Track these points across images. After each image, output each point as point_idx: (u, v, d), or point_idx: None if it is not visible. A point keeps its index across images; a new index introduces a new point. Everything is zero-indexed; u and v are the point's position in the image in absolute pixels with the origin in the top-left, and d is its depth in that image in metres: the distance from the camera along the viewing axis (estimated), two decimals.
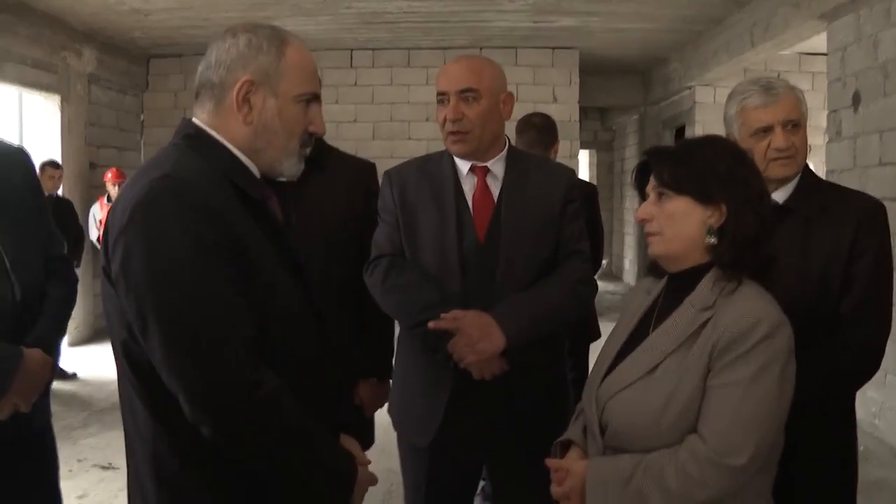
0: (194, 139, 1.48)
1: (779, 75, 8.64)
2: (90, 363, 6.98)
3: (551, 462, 1.68)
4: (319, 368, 1.55)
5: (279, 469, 1.41)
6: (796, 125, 1.98)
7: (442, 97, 2.19)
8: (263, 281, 1.40)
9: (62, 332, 2.25)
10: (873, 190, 4.93)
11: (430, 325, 2.04)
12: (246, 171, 1.49)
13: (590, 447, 1.65)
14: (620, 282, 13.02)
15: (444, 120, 2.17)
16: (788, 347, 1.47)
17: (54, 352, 2.17)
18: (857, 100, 5.27)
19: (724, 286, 1.52)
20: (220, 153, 1.47)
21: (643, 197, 1.64)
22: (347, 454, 1.53)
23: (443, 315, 2.04)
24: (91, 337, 8.19)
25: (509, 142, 2.29)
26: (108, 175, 7.78)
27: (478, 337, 2.02)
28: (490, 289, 2.14)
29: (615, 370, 1.61)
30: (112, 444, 4.75)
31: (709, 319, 1.50)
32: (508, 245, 2.15)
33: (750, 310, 1.47)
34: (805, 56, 8.65)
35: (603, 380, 1.62)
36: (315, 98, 1.54)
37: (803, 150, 2.00)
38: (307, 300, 1.54)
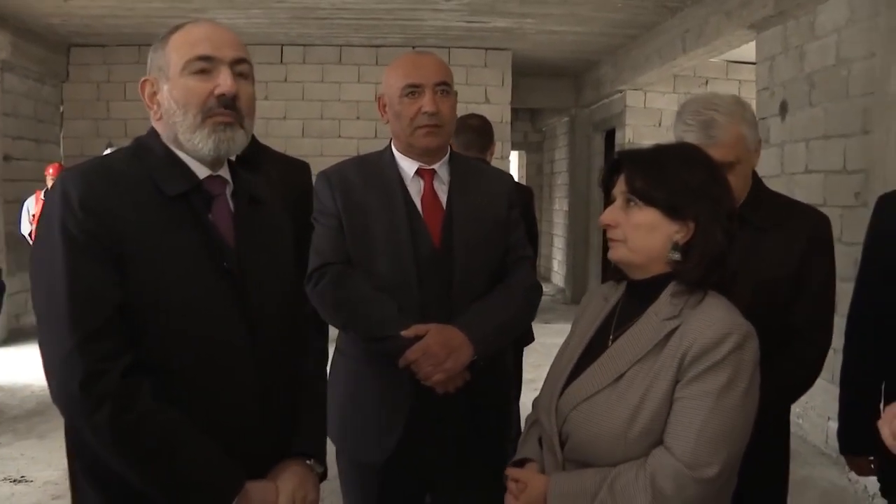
0: (140, 139, 1.56)
1: (707, 82, 8.92)
2: (3, 367, 6.58)
3: (511, 471, 1.62)
4: (232, 378, 1.49)
5: (135, 473, 1.39)
6: (733, 164, 1.94)
7: (414, 89, 2.07)
8: (145, 278, 1.41)
9: None
10: (800, 196, 5.03)
11: (404, 356, 1.96)
12: (175, 168, 1.50)
13: (547, 462, 1.59)
14: (549, 282, 13.12)
15: (416, 113, 2.07)
16: (755, 359, 1.45)
17: None
18: (784, 109, 5.40)
19: (688, 297, 1.49)
20: (150, 152, 1.52)
21: (608, 197, 1.59)
22: (229, 473, 1.45)
23: (403, 333, 1.96)
24: (5, 339, 7.76)
25: (451, 145, 2.23)
26: (50, 170, 7.61)
27: (445, 354, 1.95)
28: (447, 298, 2.06)
29: (576, 380, 1.55)
30: (25, 455, 4.50)
31: (675, 329, 1.46)
32: (463, 252, 2.08)
33: (720, 320, 1.44)
34: (732, 64, 8.85)
35: (563, 390, 1.57)
36: (209, 61, 1.48)
37: (739, 187, 1.93)
38: (236, 302, 1.50)
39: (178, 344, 1.43)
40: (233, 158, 2.43)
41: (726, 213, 1.52)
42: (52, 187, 1.43)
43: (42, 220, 1.44)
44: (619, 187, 1.55)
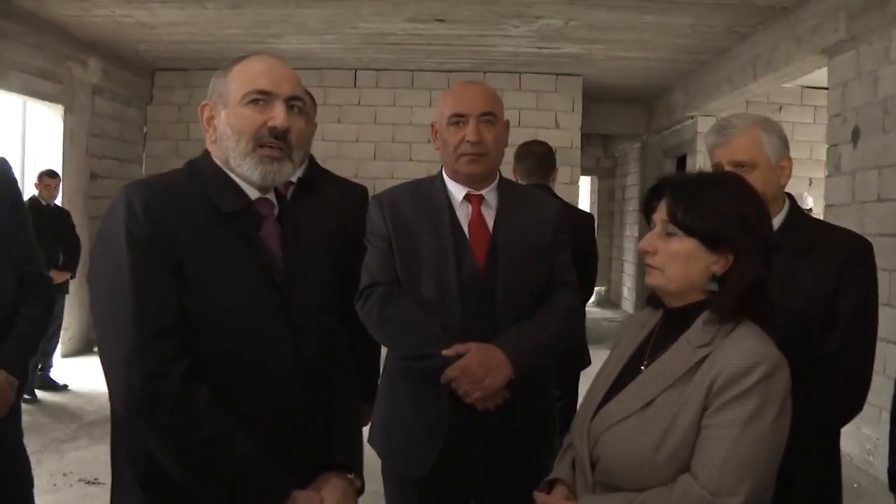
0: (193, 161, 1.65)
1: (780, 108, 8.76)
2: (82, 375, 6.92)
3: (539, 496, 1.65)
4: (279, 385, 1.55)
5: (188, 473, 1.44)
6: (746, 166, 1.96)
7: (458, 119, 2.16)
8: (200, 288, 1.48)
9: (32, 353, 2.22)
10: (871, 225, 4.94)
11: (444, 374, 2.02)
12: (228, 188, 1.59)
13: (578, 483, 1.61)
14: (619, 309, 12.97)
15: (460, 141, 2.15)
16: (786, 389, 1.44)
17: (22, 372, 2.13)
18: (856, 135, 5.27)
19: (720, 326, 1.49)
20: (203, 172, 1.61)
21: (649, 223, 1.61)
22: (279, 479, 1.50)
23: (444, 352, 2.02)
24: (84, 348, 8.14)
25: (500, 172, 2.30)
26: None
27: (484, 373, 2.00)
28: (490, 318, 2.12)
29: (608, 404, 1.58)
30: (100, 458, 4.70)
31: (706, 357, 1.47)
32: (507, 274, 2.14)
33: (749, 349, 1.44)
34: (808, 89, 8.67)
35: (595, 413, 1.59)
36: (266, 95, 1.57)
37: (761, 189, 1.88)
38: (283, 316, 1.57)
39: (228, 353, 1.50)
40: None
41: (765, 245, 1.52)
42: (115, 198, 1.51)
43: (104, 228, 1.52)
44: (660, 214, 1.56)
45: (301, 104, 1.62)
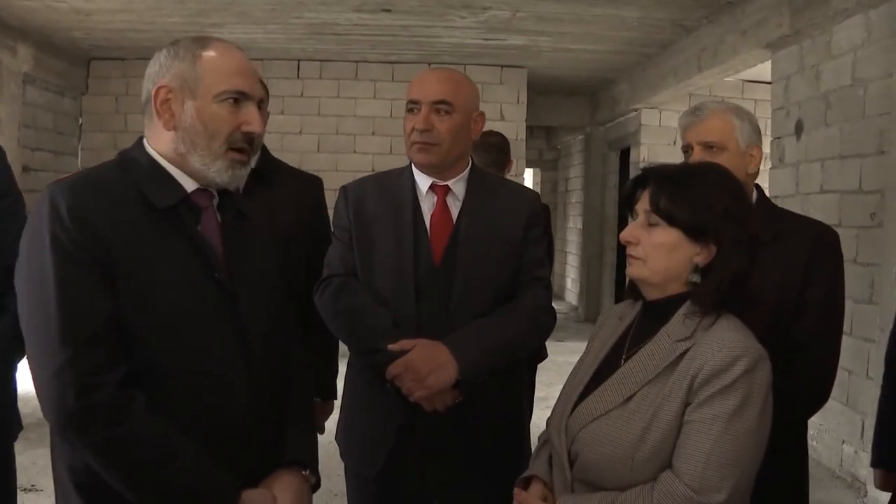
0: (124, 152, 1.56)
1: (722, 101, 8.87)
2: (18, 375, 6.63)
3: (518, 493, 1.61)
4: (225, 388, 1.50)
5: (129, 487, 1.39)
6: (715, 148, 2.00)
7: (413, 106, 2.10)
8: (135, 290, 1.41)
9: (14, 349, 2.06)
10: (815, 216, 5.03)
11: (388, 370, 1.95)
12: (163, 180, 1.50)
13: (556, 480, 1.58)
14: (563, 301, 13.08)
15: (412, 129, 2.08)
16: (768, 382, 1.43)
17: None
18: (799, 128, 5.38)
19: (701, 318, 1.47)
20: (138, 164, 1.51)
21: (631, 213, 1.58)
22: (224, 483, 1.45)
23: (390, 347, 1.95)
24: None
25: (472, 162, 2.23)
26: None
27: (427, 371, 1.93)
28: (445, 314, 2.05)
29: (587, 399, 1.54)
30: (38, 463, 4.50)
31: (687, 350, 1.45)
32: (465, 269, 2.07)
33: (731, 342, 1.42)
34: (748, 83, 8.84)
35: (573, 409, 1.56)
36: (243, 96, 1.52)
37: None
38: (227, 312, 1.51)
39: (170, 354, 1.44)
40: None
41: (749, 237, 1.50)
42: (39, 200, 1.42)
43: (28, 232, 1.43)
44: (643, 204, 1.54)
45: (265, 107, 1.58)
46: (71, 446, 1.40)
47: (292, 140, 8.84)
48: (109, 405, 1.35)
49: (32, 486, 4.28)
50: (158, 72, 1.52)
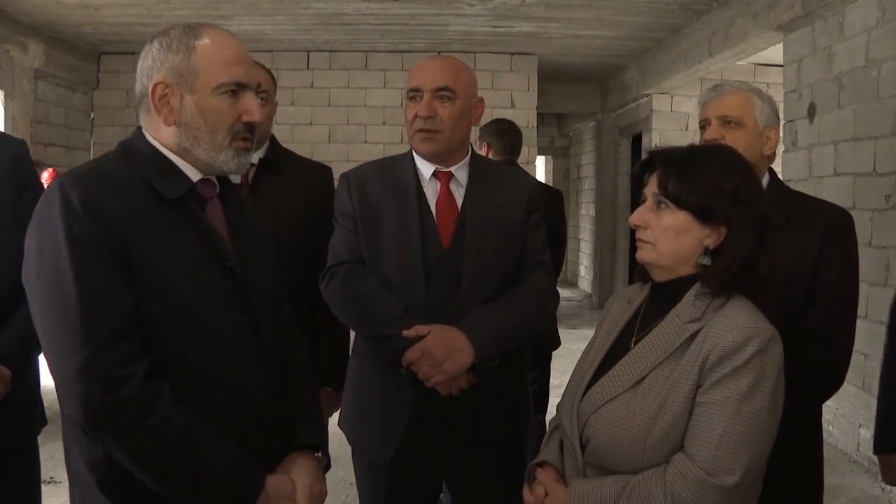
0: (126, 143, 1.54)
1: (744, 82, 8.78)
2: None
3: (538, 473, 1.61)
4: (243, 374, 1.50)
5: (159, 478, 1.38)
6: (733, 123, 1.98)
7: (414, 94, 2.10)
8: (151, 281, 1.40)
9: (32, 342, 2.09)
10: (828, 199, 4.99)
11: (404, 356, 1.96)
12: (169, 171, 1.50)
13: (567, 464, 1.57)
14: (576, 288, 13.06)
15: (414, 117, 2.08)
16: (780, 364, 1.42)
17: (18, 362, 2.06)
18: (812, 111, 5.33)
19: (712, 300, 1.46)
20: (143, 156, 1.50)
21: (640, 197, 1.56)
22: (251, 472, 1.46)
23: (405, 333, 1.96)
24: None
25: (472, 148, 2.23)
26: (45, 175, 7.58)
27: (443, 356, 1.94)
28: (454, 299, 2.06)
29: (597, 383, 1.54)
30: (55, 457, 4.50)
31: (698, 332, 1.44)
32: (473, 253, 2.07)
33: (742, 323, 1.41)
34: (760, 67, 8.75)
35: (585, 393, 1.55)
36: (243, 87, 1.51)
37: (742, 150, 1.89)
38: (239, 299, 1.51)
39: (190, 343, 1.44)
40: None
41: (759, 218, 1.48)
42: (48, 192, 1.40)
43: (36, 227, 1.40)
44: (651, 188, 1.52)
45: (265, 94, 1.57)
46: (94, 441, 1.39)
47: (303, 131, 8.85)
48: (138, 398, 1.34)
49: (51, 478, 4.31)
50: (152, 66, 1.49)
